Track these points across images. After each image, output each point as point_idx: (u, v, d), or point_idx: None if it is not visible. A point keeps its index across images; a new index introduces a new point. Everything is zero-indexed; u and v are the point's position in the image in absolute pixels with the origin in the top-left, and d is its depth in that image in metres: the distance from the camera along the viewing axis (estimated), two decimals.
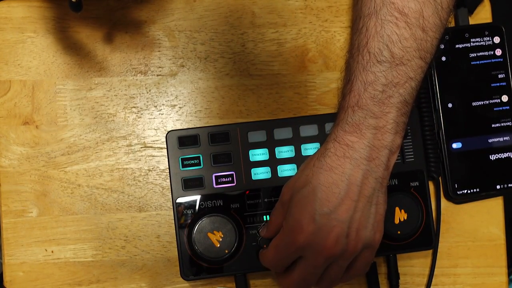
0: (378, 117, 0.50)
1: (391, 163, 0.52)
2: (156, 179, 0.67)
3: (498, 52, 0.67)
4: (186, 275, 0.63)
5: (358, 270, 0.55)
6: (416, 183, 0.64)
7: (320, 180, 0.51)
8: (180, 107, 0.68)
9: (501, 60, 0.67)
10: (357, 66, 0.51)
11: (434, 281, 0.67)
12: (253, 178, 0.64)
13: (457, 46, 0.67)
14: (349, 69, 0.53)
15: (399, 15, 0.50)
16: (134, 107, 0.67)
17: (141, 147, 0.67)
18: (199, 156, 0.64)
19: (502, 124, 0.67)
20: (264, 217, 0.63)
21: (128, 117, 0.67)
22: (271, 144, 0.64)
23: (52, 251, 0.66)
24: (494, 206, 0.68)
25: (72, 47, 0.68)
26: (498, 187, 0.67)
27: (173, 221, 0.65)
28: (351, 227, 0.51)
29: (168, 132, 0.64)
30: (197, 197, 0.63)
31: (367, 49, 0.51)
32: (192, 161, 0.64)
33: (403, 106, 0.51)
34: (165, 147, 0.65)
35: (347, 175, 0.50)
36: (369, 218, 0.52)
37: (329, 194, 0.51)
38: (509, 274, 0.71)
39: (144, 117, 0.67)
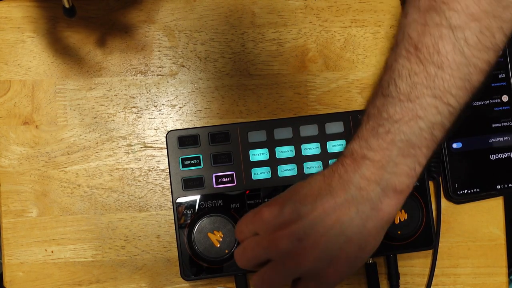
0: (374, 150, 0.48)
1: (385, 207, 0.48)
2: (156, 179, 0.67)
3: None
4: (186, 275, 0.63)
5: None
6: (416, 183, 0.64)
7: (311, 180, 0.51)
8: (180, 107, 0.68)
9: (501, 60, 0.67)
10: (369, 99, 0.50)
11: (434, 281, 0.67)
12: (253, 178, 0.64)
13: None
14: None
15: (413, 50, 0.47)
16: (134, 107, 0.67)
17: (141, 147, 0.67)
18: (199, 156, 0.64)
19: (502, 124, 0.67)
20: None
21: (128, 117, 0.67)
22: (271, 144, 0.64)
23: (52, 251, 0.66)
24: (494, 206, 0.68)
25: (72, 47, 0.68)
26: (498, 187, 0.67)
27: (173, 221, 0.65)
28: (307, 238, 0.48)
29: (168, 132, 0.64)
30: (197, 197, 0.63)
31: (379, 83, 0.49)
32: (192, 161, 0.63)
33: (406, 146, 0.47)
34: (165, 147, 0.65)
35: (332, 187, 0.49)
36: (331, 246, 0.48)
37: (308, 192, 0.50)
38: (509, 274, 0.71)
39: (144, 117, 0.67)
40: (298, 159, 0.64)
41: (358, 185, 0.48)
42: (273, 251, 0.50)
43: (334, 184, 0.49)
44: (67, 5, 0.56)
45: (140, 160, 0.67)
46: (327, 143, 0.64)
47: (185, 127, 0.67)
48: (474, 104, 0.67)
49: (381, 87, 0.48)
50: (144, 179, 0.67)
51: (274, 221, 0.50)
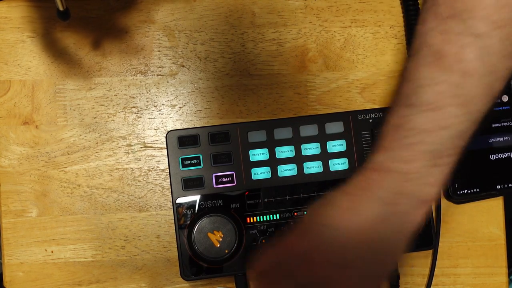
0: (400, 162, 0.46)
1: (413, 219, 0.47)
2: (156, 179, 0.67)
3: None
4: (186, 275, 0.63)
5: None
6: None
7: (333, 199, 0.49)
8: (180, 107, 0.68)
9: None
10: (391, 106, 0.48)
11: (434, 281, 0.67)
12: (253, 178, 0.64)
13: None
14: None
15: (434, 58, 0.45)
16: (134, 107, 0.67)
17: (141, 147, 0.67)
18: (199, 156, 0.64)
19: (502, 124, 0.67)
20: (264, 217, 0.63)
21: (128, 117, 0.67)
22: (271, 144, 0.64)
23: (52, 251, 0.66)
24: (494, 206, 0.68)
25: (72, 47, 0.67)
26: (498, 187, 0.67)
27: (173, 221, 0.65)
28: (341, 262, 0.48)
29: (168, 132, 0.64)
30: (197, 197, 0.63)
31: (400, 92, 0.48)
32: (192, 161, 0.63)
33: (431, 157, 0.46)
34: (165, 147, 0.65)
35: (357, 206, 0.47)
36: (363, 265, 0.48)
37: (332, 213, 0.49)
38: (509, 274, 0.71)
39: (144, 117, 0.67)
40: (298, 159, 0.64)
41: (386, 200, 0.47)
42: (308, 279, 0.49)
43: (359, 202, 0.48)
44: (61, 8, 0.56)
45: (140, 160, 0.67)
46: (327, 143, 0.64)
47: (185, 127, 0.67)
48: None
49: (403, 97, 0.47)
50: (144, 179, 0.67)
51: (304, 249, 0.49)
